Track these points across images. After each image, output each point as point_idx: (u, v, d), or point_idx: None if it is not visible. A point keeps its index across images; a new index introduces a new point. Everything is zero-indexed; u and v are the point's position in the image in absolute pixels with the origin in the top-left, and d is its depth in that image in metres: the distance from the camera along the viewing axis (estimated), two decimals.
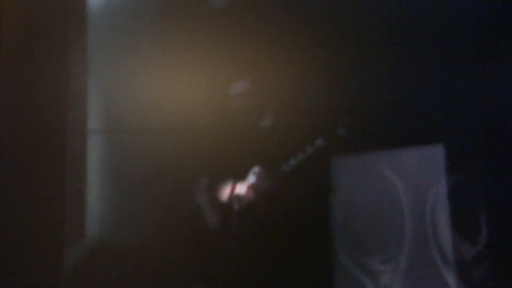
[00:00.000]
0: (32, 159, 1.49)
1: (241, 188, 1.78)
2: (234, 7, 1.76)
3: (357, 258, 1.77)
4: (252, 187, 1.77)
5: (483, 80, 1.65)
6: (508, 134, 1.62)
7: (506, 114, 1.61)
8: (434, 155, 1.70)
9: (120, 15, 1.66)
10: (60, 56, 1.53)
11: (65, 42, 1.54)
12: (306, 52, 1.75)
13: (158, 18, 1.70)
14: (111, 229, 1.64)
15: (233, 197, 1.77)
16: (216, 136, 1.73)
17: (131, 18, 1.66)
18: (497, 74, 1.63)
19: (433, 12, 1.72)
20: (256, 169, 1.77)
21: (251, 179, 1.77)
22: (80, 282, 1.54)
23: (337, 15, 1.76)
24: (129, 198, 1.66)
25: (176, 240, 1.69)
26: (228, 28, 1.75)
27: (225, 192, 1.77)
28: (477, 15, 1.68)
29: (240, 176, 1.78)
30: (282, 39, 1.74)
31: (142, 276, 1.61)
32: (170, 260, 1.69)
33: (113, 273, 1.57)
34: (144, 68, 1.67)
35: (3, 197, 1.45)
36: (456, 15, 1.71)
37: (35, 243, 1.46)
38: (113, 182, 1.65)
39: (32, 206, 1.46)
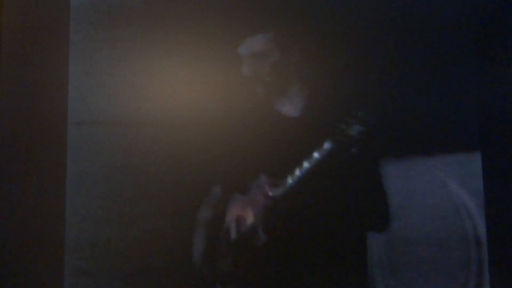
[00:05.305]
0: (32, 158, 1.49)
1: (239, 209, 1.47)
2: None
3: None
4: (251, 207, 1.46)
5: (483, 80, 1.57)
6: (508, 134, 1.55)
7: (506, 114, 1.56)
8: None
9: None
10: (60, 55, 1.53)
11: (66, 41, 1.54)
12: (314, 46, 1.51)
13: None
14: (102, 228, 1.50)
15: (232, 221, 1.47)
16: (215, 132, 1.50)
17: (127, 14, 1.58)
18: (497, 74, 1.57)
19: (433, 11, 1.58)
20: (261, 179, 1.46)
21: (253, 195, 1.47)
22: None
23: (338, 10, 1.57)
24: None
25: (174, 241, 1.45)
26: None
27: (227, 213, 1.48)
28: (477, 15, 1.59)
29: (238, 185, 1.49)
30: (288, 30, 1.53)
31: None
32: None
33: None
34: (145, 61, 1.55)
35: (3, 197, 1.48)
36: (456, 14, 1.59)
37: (35, 244, 1.47)
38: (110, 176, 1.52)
39: (32, 205, 1.47)
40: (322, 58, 1.52)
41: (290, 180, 1.44)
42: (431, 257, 1.47)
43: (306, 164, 1.43)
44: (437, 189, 1.49)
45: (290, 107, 1.50)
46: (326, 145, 1.44)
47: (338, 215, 1.46)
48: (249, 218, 1.45)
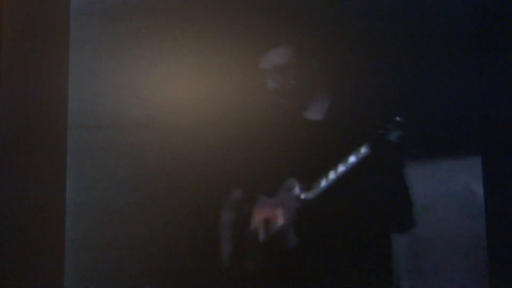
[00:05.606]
0: (32, 159, 1.48)
1: (268, 211, 1.41)
2: None
3: None
4: (281, 209, 1.41)
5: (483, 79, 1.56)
6: (508, 134, 1.53)
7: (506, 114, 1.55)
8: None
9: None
10: (60, 57, 1.51)
11: (66, 43, 1.52)
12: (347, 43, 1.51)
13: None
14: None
15: (257, 223, 1.40)
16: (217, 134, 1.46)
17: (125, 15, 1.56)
18: (497, 73, 1.56)
19: (432, 11, 1.57)
20: (289, 182, 1.42)
21: (281, 197, 1.41)
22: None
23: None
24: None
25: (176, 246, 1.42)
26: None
27: (251, 215, 1.42)
28: (477, 14, 1.58)
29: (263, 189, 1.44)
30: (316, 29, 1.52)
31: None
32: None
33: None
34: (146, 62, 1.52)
35: (3, 198, 1.47)
36: (456, 14, 1.57)
37: (35, 244, 1.45)
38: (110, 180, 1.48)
39: (32, 207, 1.46)
40: (342, 64, 1.51)
41: (323, 183, 1.40)
42: (454, 257, 1.45)
43: (341, 168, 1.40)
44: (459, 190, 1.47)
45: (314, 112, 1.49)
46: (363, 150, 1.41)
47: (365, 216, 1.43)
48: (279, 220, 1.39)
